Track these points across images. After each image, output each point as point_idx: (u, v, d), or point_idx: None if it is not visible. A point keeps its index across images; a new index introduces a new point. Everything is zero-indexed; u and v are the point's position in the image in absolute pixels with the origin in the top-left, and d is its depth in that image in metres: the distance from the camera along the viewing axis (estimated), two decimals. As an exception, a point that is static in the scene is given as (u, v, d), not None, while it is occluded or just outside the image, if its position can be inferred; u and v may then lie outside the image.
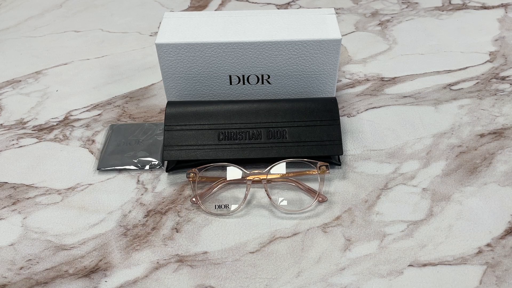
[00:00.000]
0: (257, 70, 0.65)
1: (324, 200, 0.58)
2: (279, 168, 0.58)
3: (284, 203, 0.58)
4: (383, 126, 0.68)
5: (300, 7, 0.98)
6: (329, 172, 0.57)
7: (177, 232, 0.55)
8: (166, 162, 0.62)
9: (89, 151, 0.66)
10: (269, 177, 0.57)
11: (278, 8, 0.97)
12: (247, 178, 0.57)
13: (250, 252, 0.53)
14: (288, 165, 0.58)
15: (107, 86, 0.78)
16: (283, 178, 0.59)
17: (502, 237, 0.54)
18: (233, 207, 0.57)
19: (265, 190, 0.57)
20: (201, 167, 0.58)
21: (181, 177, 0.61)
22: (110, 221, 0.56)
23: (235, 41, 0.62)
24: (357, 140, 0.66)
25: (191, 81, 0.66)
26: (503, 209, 0.56)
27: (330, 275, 0.51)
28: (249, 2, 1.00)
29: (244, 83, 0.66)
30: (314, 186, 0.58)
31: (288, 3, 0.99)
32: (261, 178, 0.57)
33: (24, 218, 0.57)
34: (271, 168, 0.57)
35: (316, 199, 0.57)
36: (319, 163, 0.57)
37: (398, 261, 0.52)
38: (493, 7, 0.95)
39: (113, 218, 0.57)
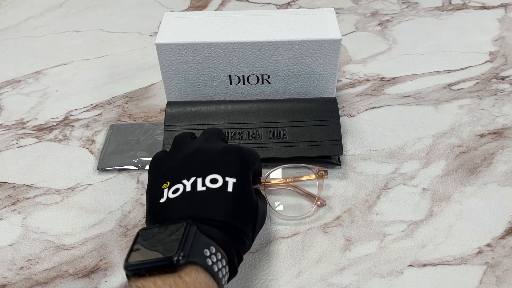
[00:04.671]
0: (257, 70, 0.65)
1: (323, 204, 0.57)
2: (278, 174, 0.57)
3: (281, 208, 0.57)
4: (383, 126, 0.68)
5: (300, 7, 0.98)
6: (327, 177, 0.56)
7: (177, 232, 0.55)
8: (166, 162, 0.62)
9: (89, 151, 0.66)
10: (267, 182, 0.57)
11: (278, 8, 0.97)
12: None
13: (250, 252, 0.53)
14: (287, 170, 0.58)
15: (107, 86, 0.78)
16: (282, 183, 0.59)
17: (502, 237, 0.54)
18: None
19: (264, 196, 0.57)
20: (201, 167, 0.58)
21: (181, 177, 0.61)
22: (110, 221, 0.56)
23: (235, 41, 0.62)
24: (357, 140, 0.66)
25: (191, 81, 0.66)
26: (503, 209, 0.56)
27: (330, 275, 0.50)
28: (249, 2, 1.00)
29: (244, 83, 0.66)
30: (313, 190, 0.58)
31: (288, 3, 0.99)
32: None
33: (24, 218, 0.57)
34: (269, 173, 0.57)
35: (315, 204, 0.56)
36: (317, 168, 0.56)
37: (398, 261, 0.52)
38: (493, 7, 0.95)
39: (113, 218, 0.57)
